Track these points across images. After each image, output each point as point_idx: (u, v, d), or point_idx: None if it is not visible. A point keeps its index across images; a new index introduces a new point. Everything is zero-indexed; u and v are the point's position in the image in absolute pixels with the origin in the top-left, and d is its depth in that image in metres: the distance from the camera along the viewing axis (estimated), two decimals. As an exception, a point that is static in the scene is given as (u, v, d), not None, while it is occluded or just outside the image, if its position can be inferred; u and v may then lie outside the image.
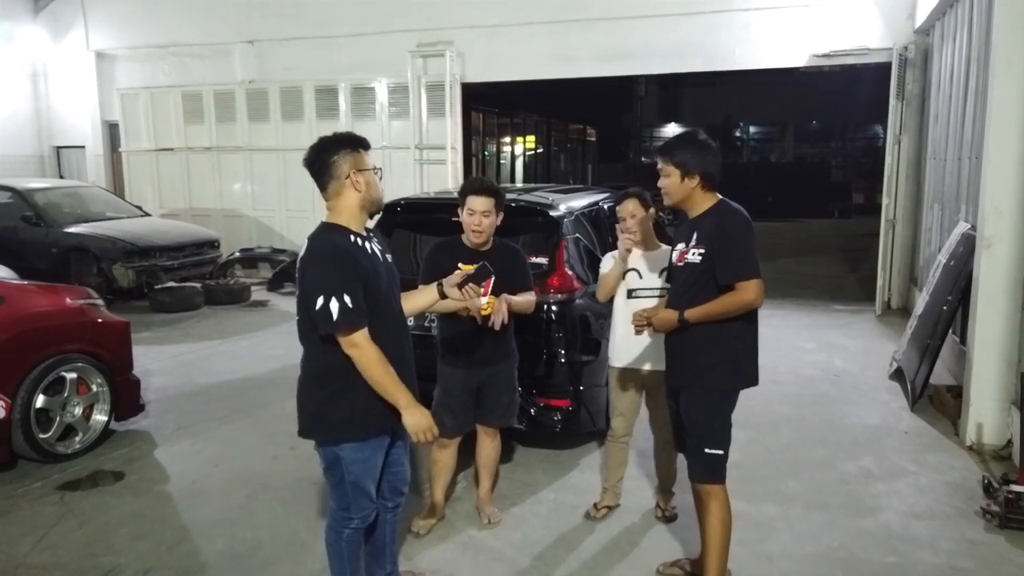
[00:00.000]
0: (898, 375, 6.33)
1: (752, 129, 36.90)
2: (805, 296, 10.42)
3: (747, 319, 3.02)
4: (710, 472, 3.11)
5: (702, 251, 3.01)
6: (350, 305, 2.59)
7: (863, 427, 5.38)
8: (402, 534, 3.86)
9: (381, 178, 2.86)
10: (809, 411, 5.73)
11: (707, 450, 3.08)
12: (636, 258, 3.90)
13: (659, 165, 3.12)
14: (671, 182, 3.07)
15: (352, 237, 2.75)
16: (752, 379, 3.14)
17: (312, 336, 2.72)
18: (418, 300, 3.09)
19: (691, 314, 3.00)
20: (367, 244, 2.80)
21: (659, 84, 31.14)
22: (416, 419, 2.72)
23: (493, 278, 3.21)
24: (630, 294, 3.86)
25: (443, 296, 3.03)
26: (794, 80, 23.50)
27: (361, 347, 2.63)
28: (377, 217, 5.14)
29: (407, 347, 2.91)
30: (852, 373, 6.71)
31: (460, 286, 2.95)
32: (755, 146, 37.21)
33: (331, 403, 2.73)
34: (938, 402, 5.61)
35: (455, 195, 3.90)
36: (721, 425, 3.10)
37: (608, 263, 3.97)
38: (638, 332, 3.23)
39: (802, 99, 29.22)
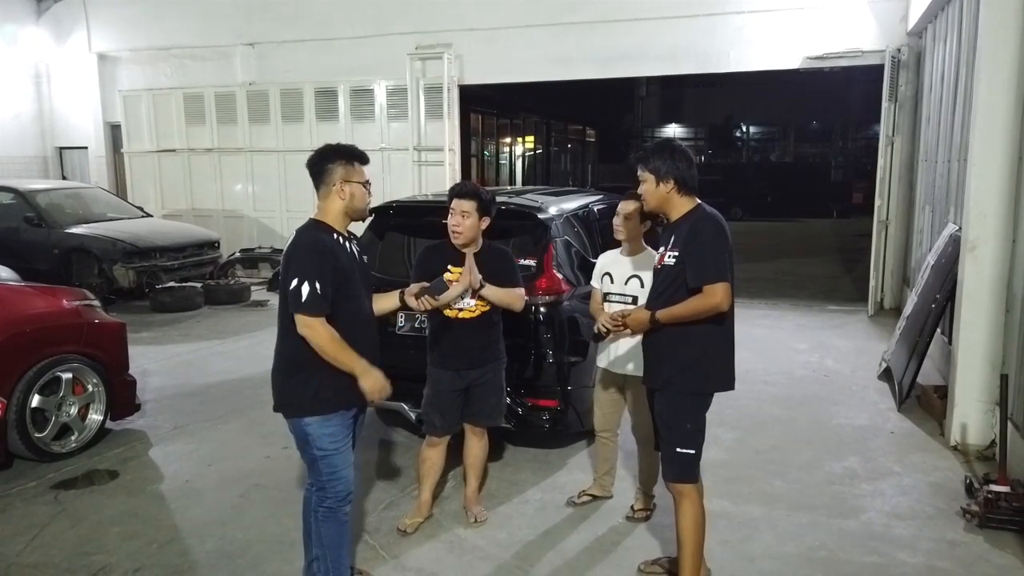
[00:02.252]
0: (887, 375, 6.38)
1: (753, 129, 36.92)
2: (800, 296, 10.47)
3: (718, 322, 3.07)
4: (682, 472, 3.16)
5: (676, 254, 3.09)
6: (319, 291, 2.87)
7: (851, 428, 5.43)
8: (389, 532, 3.95)
9: (370, 192, 3.15)
10: (798, 412, 5.78)
11: (679, 450, 3.14)
12: (611, 263, 4.03)
13: (638, 172, 3.23)
14: (647, 188, 3.17)
15: (335, 235, 3.05)
16: (726, 383, 3.19)
17: (287, 323, 2.97)
18: (384, 302, 3.35)
19: (661, 315, 3.08)
20: (347, 244, 3.09)
21: (660, 84, 31.16)
22: (371, 382, 2.97)
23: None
24: (606, 297, 3.96)
25: (403, 303, 3.29)
26: (795, 80, 23.51)
27: (314, 328, 2.89)
28: (369, 220, 5.26)
29: (374, 344, 3.17)
30: (843, 374, 6.76)
31: (418, 296, 3.21)
32: (756, 146, 37.25)
33: (298, 385, 3.01)
34: (925, 402, 5.66)
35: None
36: (693, 426, 3.15)
37: (603, 262, 4.08)
38: (614, 332, 3.31)
39: (803, 99, 29.26)
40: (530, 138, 22.11)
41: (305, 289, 2.85)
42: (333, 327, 2.94)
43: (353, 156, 3.07)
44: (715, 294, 2.97)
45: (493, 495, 4.36)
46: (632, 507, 4.12)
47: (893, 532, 3.93)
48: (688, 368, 3.10)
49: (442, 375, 3.88)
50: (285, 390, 3.06)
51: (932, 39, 8.17)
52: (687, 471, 3.16)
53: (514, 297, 3.84)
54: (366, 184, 3.09)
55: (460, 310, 3.77)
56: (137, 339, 7.79)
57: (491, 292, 3.73)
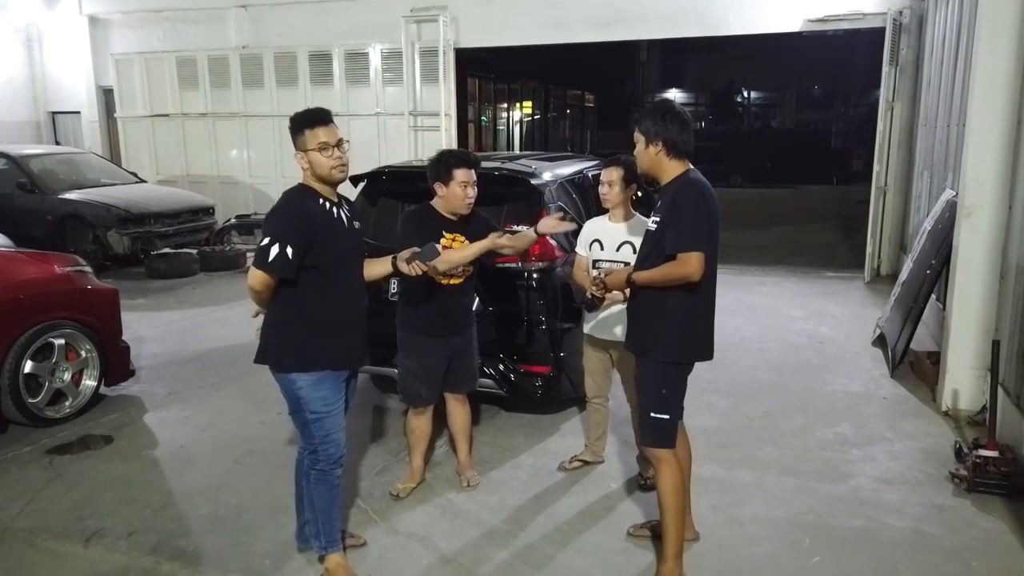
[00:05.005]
0: (881, 341, 6.38)
1: (755, 95, 36.55)
2: (797, 263, 10.45)
3: (693, 292, 3.01)
4: (655, 437, 3.14)
5: (657, 219, 3.06)
6: (289, 257, 2.87)
7: (843, 394, 5.44)
8: (382, 497, 3.98)
9: (334, 153, 2.97)
10: (791, 379, 5.78)
11: (653, 414, 3.12)
12: (600, 229, 4.00)
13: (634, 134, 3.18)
14: (639, 149, 3.13)
15: (321, 200, 3.02)
16: (703, 354, 3.16)
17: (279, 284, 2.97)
18: (375, 269, 3.29)
19: (638, 276, 3.05)
20: (334, 209, 3.06)
21: (661, 49, 30.75)
22: None
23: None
24: (594, 264, 3.94)
25: (395, 268, 3.23)
26: (798, 45, 23.26)
27: (260, 282, 2.92)
28: (361, 185, 5.21)
29: (360, 311, 3.17)
30: (837, 341, 6.77)
31: (408, 261, 3.17)
32: (757, 112, 36.90)
33: (287, 342, 3.02)
34: (918, 369, 5.67)
35: None
36: (669, 392, 3.12)
37: (590, 228, 4.05)
38: (598, 295, 3.27)
39: (805, 64, 28.96)
40: (528, 104, 21.89)
41: (274, 250, 2.86)
42: (319, 294, 2.97)
43: (304, 123, 2.96)
44: (688, 263, 2.90)
45: (486, 460, 4.38)
46: (640, 474, 4.12)
47: (882, 497, 3.96)
48: (664, 338, 3.07)
49: (429, 343, 3.87)
50: (273, 346, 3.06)
51: (934, 2, 8.03)
52: (661, 436, 3.14)
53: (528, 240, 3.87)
54: (324, 147, 2.93)
55: (449, 277, 3.76)
56: (132, 306, 7.80)
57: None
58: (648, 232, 3.14)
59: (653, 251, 3.07)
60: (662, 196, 3.11)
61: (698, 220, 2.95)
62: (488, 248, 3.61)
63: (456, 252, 3.61)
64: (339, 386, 3.13)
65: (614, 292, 3.49)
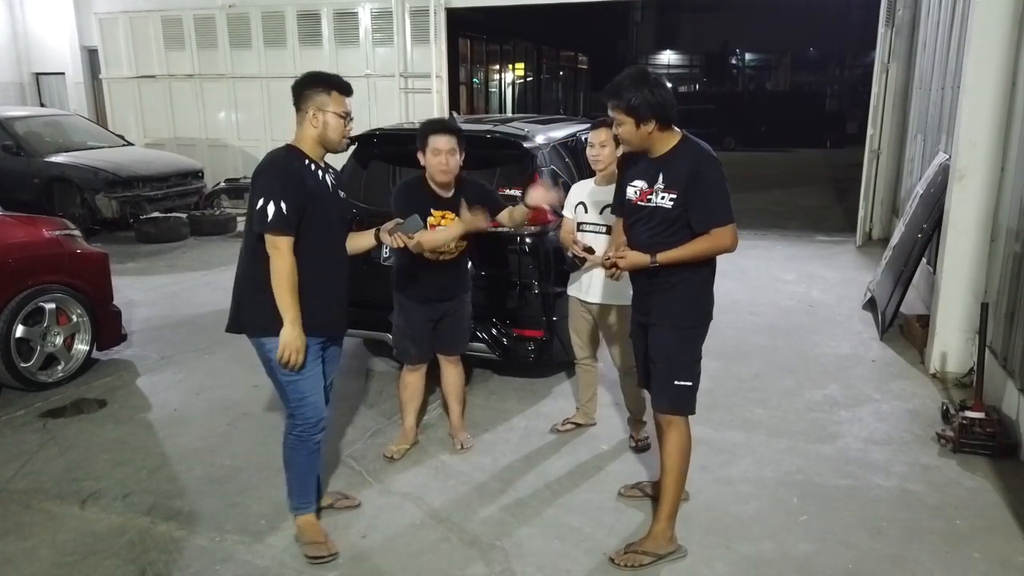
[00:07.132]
0: (871, 305, 6.42)
1: (749, 56, 36.21)
2: (790, 227, 10.47)
3: (712, 260, 3.01)
4: (679, 404, 3.07)
5: (674, 196, 2.90)
6: (285, 212, 2.84)
7: (833, 356, 5.49)
8: (375, 459, 4.01)
9: (349, 124, 3.05)
10: (782, 341, 5.83)
11: (677, 382, 3.04)
12: (586, 192, 4.00)
13: (610, 112, 2.91)
14: (626, 130, 2.89)
15: (307, 162, 3.00)
16: (711, 315, 3.14)
17: (252, 243, 2.96)
18: (360, 241, 3.26)
19: (663, 257, 2.91)
20: (320, 172, 3.04)
21: (656, 9, 30.39)
22: (290, 336, 2.89)
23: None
24: (580, 227, 3.96)
25: (379, 241, 3.21)
26: (794, 5, 23.01)
27: (281, 251, 2.86)
28: (352, 148, 5.16)
29: (341, 278, 3.13)
30: (828, 304, 6.81)
31: (391, 232, 3.14)
32: (751, 74, 36.60)
33: (260, 305, 2.93)
34: (907, 331, 5.72)
35: None
36: (690, 358, 3.07)
37: (576, 192, 4.05)
38: (611, 277, 3.10)
39: (801, 25, 28.65)
40: (521, 65, 21.63)
41: (271, 208, 2.82)
42: (303, 251, 2.91)
43: (332, 84, 2.98)
44: (725, 236, 2.88)
45: (478, 423, 4.42)
46: (631, 436, 4.16)
47: (869, 457, 4.02)
48: (686, 305, 3.01)
49: (415, 307, 3.88)
50: (246, 309, 3.02)
51: (932, -39, 7.93)
52: (685, 403, 3.07)
53: (523, 213, 3.81)
54: (345, 115, 2.99)
55: (440, 253, 3.74)
56: (123, 270, 7.77)
57: (513, 220, 3.81)
58: (659, 208, 2.93)
59: (668, 228, 2.93)
60: (662, 168, 2.94)
61: (726, 192, 2.90)
62: (464, 230, 3.52)
63: (438, 233, 3.54)
64: (314, 350, 3.05)
65: (595, 254, 3.52)
